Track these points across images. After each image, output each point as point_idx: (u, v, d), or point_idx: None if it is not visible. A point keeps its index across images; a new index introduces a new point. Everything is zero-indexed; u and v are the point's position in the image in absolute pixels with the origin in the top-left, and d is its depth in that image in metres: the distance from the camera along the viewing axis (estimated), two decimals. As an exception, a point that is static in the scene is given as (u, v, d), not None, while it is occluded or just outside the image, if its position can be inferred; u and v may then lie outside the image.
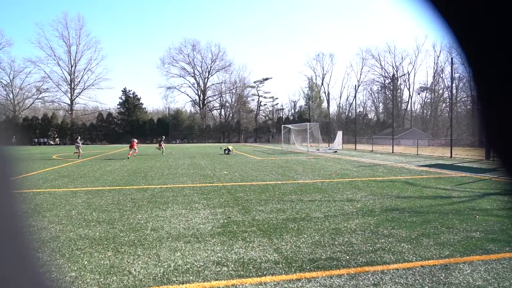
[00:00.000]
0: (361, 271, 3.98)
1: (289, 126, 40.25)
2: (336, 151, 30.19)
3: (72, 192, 9.66)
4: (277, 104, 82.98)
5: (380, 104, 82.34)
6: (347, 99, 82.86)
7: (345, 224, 5.98)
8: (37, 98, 74.24)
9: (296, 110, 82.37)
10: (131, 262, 4.31)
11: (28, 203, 8.09)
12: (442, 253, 4.56)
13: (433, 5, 0.47)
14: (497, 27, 0.44)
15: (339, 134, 35.34)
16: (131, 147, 24.15)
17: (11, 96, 72.06)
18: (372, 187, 10.13)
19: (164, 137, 29.94)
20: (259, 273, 3.93)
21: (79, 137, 27.41)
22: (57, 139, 64.09)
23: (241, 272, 3.96)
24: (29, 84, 73.92)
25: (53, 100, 74.30)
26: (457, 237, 5.28)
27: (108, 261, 4.34)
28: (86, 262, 4.31)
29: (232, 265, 4.17)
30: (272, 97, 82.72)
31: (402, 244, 4.91)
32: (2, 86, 72.12)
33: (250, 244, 4.95)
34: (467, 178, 12.32)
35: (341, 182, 11.30)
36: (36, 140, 61.95)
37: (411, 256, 4.45)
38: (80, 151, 24.74)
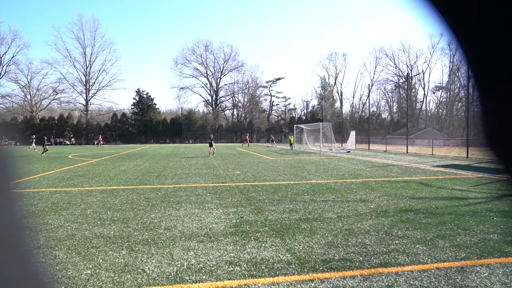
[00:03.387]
0: (375, 273, 3.93)
1: (302, 126, 40.10)
2: (349, 151, 29.95)
3: (88, 191, 9.82)
4: (289, 104, 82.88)
5: (394, 104, 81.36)
6: (360, 99, 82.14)
7: (359, 225, 5.93)
8: (53, 99, 75.75)
9: (309, 110, 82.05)
10: (145, 260, 4.36)
11: (45, 201, 8.25)
12: (458, 255, 4.48)
13: (432, 4, 0.47)
14: (497, 27, 0.43)
15: (352, 134, 35.05)
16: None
17: (28, 97, 73.73)
18: (386, 187, 10.02)
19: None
20: (272, 273, 3.93)
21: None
22: (72, 139, 65.29)
23: (254, 272, 3.96)
24: (45, 85, 75.63)
25: (69, 100, 75.75)
26: (474, 239, 5.17)
27: (122, 260, 4.39)
28: (101, 260, 4.37)
29: (245, 265, 4.18)
30: (285, 97, 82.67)
31: (417, 246, 4.84)
32: (20, 87, 73.86)
33: (263, 244, 4.95)
34: (484, 179, 12.06)
35: (355, 182, 11.20)
36: (52, 140, 63.20)
37: (426, 258, 4.38)
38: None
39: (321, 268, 4.06)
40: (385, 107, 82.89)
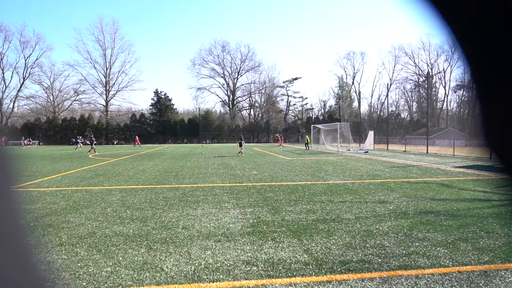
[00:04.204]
0: (394, 275, 3.87)
1: (319, 126, 39.82)
2: (367, 152, 29.56)
3: (107, 190, 10.01)
4: (306, 104, 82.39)
5: (414, 103, 79.83)
6: (378, 98, 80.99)
7: (377, 226, 5.84)
8: (74, 100, 77.70)
9: (326, 110, 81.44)
10: (163, 259, 4.41)
11: (67, 200, 8.46)
12: (481, 259, 4.35)
13: (432, 4, 0.47)
14: (497, 27, 0.44)
15: (371, 134, 34.58)
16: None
17: (51, 98, 75.83)
18: (405, 188, 9.83)
19: (242, 135, 28.92)
20: (289, 274, 3.91)
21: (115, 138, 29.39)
22: (80, 139, 66.86)
23: (271, 272, 3.96)
24: (67, 86, 77.62)
25: (89, 101, 77.52)
26: (498, 242, 5.02)
27: (141, 258, 4.46)
28: (120, 258, 4.45)
29: (262, 265, 4.18)
30: (302, 97, 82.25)
31: (438, 248, 4.73)
32: (44, 89, 76.10)
33: (280, 245, 4.93)
34: (510, 180, 11.66)
35: (373, 183, 11.04)
36: (74, 140, 64.73)
37: (448, 261, 4.27)
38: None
39: (339, 270, 4.02)
40: (404, 106, 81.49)
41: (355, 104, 79.64)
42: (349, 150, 31.66)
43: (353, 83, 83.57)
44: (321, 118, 73.49)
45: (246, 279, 3.79)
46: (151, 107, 73.50)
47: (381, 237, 5.24)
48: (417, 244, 4.93)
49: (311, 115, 77.61)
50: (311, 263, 4.22)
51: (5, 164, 0.50)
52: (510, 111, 0.46)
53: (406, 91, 79.91)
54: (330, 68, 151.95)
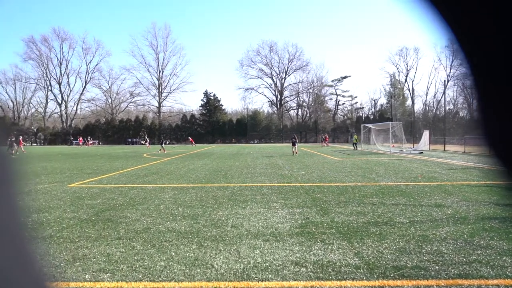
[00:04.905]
0: (453, 284, 3.63)
1: (369, 125, 38.56)
2: (422, 152, 28.09)
3: (161, 188, 10.46)
4: (356, 103, 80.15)
5: (474, 101, 74.42)
6: (434, 96, 76.62)
7: (434, 231, 5.52)
8: (130, 102, 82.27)
9: (377, 108, 78.63)
10: (213, 256, 4.52)
11: (124, 196, 8.96)
12: (555, 271, 3.95)
13: (432, 4, 0.47)
14: (497, 27, 0.44)
15: (425, 134, 32.83)
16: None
17: (109, 100, 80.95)
18: (465, 192, 9.21)
19: (295, 135, 29.70)
20: (339, 277, 3.83)
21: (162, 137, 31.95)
22: (147, 138, 70.21)
23: (320, 274, 3.90)
24: (124, 89, 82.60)
25: (143, 103, 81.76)
26: None
27: (192, 254, 4.60)
28: (173, 254, 4.62)
29: (311, 267, 4.13)
30: (351, 96, 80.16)
31: (504, 258, 4.37)
32: (103, 92, 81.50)
33: (329, 247, 4.84)
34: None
35: (428, 185, 10.47)
36: (129, 140, 68.55)
37: (515, 272, 3.93)
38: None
39: (391, 275, 3.86)
40: (463, 104, 76.17)
41: (408, 102, 75.97)
42: (401, 150, 30.30)
43: (406, 80, 79.88)
44: (372, 117, 71.07)
45: (295, 280, 3.77)
46: (201, 108, 75.69)
47: (438, 243, 4.95)
48: (479, 252, 4.59)
49: (361, 115, 75.35)
50: (362, 267, 4.09)
51: (5, 164, 0.52)
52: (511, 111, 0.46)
53: (466, 87, 74.28)
54: (382, 65, 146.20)
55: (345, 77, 79.82)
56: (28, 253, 0.53)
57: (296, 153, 26.44)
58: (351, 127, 69.97)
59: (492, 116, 0.49)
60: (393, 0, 0.62)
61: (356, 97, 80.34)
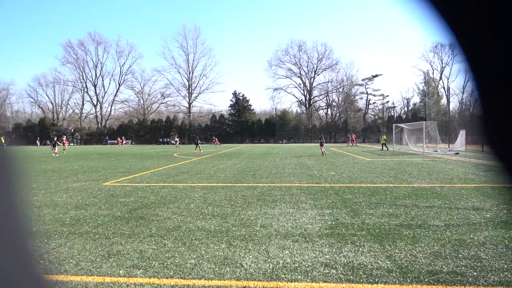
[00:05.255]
0: (493, 291, 3.46)
1: (402, 125, 37.49)
2: (458, 153, 26.98)
3: (191, 187, 10.64)
4: (387, 102, 78.21)
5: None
6: (471, 94, 73.15)
7: (471, 236, 5.29)
8: (161, 103, 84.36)
9: (410, 108, 76.32)
10: (242, 255, 4.54)
11: (155, 195, 9.19)
12: None
13: (432, 4, 0.47)
14: (497, 27, 0.43)
15: (462, 133, 31.49)
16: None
17: (141, 101, 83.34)
18: (506, 195, 8.73)
19: (322, 135, 30.10)
20: (370, 280, 3.74)
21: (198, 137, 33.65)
22: (177, 139, 71.71)
23: (351, 277, 3.82)
24: (155, 90, 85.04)
25: (174, 104, 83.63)
26: None
27: (222, 253, 4.65)
28: (203, 252, 4.69)
29: (341, 269, 4.06)
30: (382, 95, 78.28)
31: (548, 265, 4.12)
32: (135, 93, 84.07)
33: (360, 249, 4.74)
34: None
35: (465, 187, 10.04)
36: (160, 140, 70.28)
37: (562, 280, 3.70)
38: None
39: (426, 280, 3.73)
40: (503, 103, 72.53)
41: (443, 101, 73.17)
42: (436, 151, 29.24)
43: (441, 78, 76.96)
44: (404, 116, 69.12)
45: (325, 282, 3.72)
46: (229, 108, 76.46)
47: (476, 248, 4.73)
48: (521, 258, 4.35)
49: (392, 114, 73.48)
50: (395, 271, 3.98)
51: (6, 165, 0.52)
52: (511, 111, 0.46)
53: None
54: (415, 63, 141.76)
55: (376, 76, 78.11)
56: (28, 252, 0.53)
57: (324, 153, 26.43)
58: (382, 127, 68.29)
59: (492, 116, 0.49)
60: (393, 0, 0.61)
61: (387, 96, 78.64)
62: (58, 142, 33.20)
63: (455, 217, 6.48)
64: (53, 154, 29.19)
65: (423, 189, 9.75)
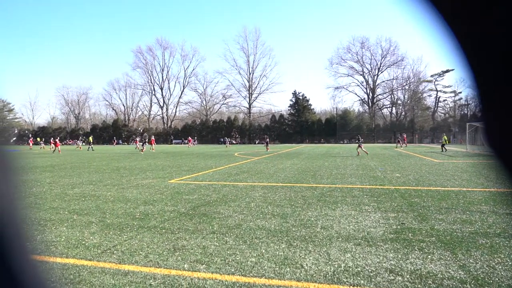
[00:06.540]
0: None
1: (476, 124, 34.48)
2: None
3: (251, 186, 10.79)
4: (460, 99, 72.42)
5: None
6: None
7: (562, 248, 4.70)
8: (222, 104, 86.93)
9: (486, 105, 69.83)
10: (302, 256, 4.50)
11: (217, 193, 9.47)
12: None
13: (432, 5, 0.46)
14: (497, 27, 0.43)
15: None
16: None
17: (204, 102, 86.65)
18: None
19: (359, 136, 29.91)
20: (441, 290, 3.49)
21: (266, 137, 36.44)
22: (238, 139, 73.17)
23: (419, 286, 3.60)
24: (217, 92, 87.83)
25: (235, 104, 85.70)
26: None
27: (282, 253, 4.64)
28: (263, 251, 4.73)
29: (408, 276, 3.84)
30: (454, 92, 72.75)
31: None
32: (198, 95, 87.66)
33: (429, 256, 4.45)
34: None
35: (554, 193, 8.94)
36: (221, 140, 72.35)
37: None
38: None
39: (507, 294, 3.38)
40: None
41: (527, 97, 65.90)
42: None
43: (523, 71, 69.42)
44: (480, 115, 63.47)
45: (390, 289, 3.54)
46: (289, 108, 76.31)
47: None
48: None
49: (466, 112, 67.88)
50: (469, 282, 3.67)
51: (5, 163, 0.52)
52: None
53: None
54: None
55: (447, 71, 72.70)
56: (28, 256, 0.54)
57: (364, 153, 26.50)
58: (454, 126, 63.48)
59: (493, 116, 0.49)
60: (393, 0, 0.61)
61: (460, 92, 72.65)
62: (147, 142, 40.66)
63: (542, 226, 5.81)
64: (141, 152, 34.33)
65: (502, 194, 8.87)
